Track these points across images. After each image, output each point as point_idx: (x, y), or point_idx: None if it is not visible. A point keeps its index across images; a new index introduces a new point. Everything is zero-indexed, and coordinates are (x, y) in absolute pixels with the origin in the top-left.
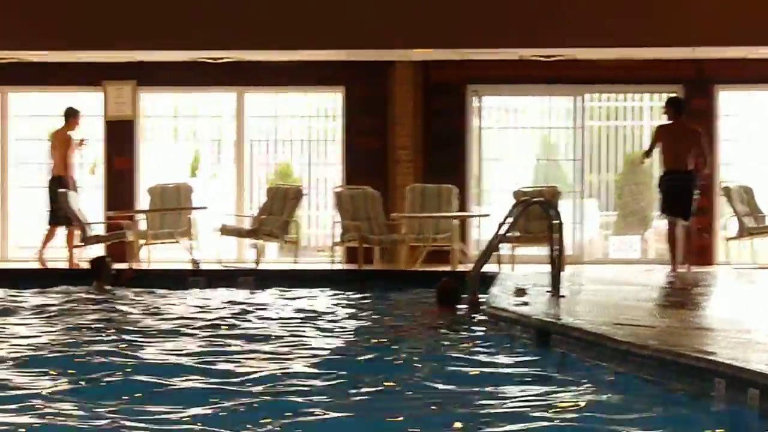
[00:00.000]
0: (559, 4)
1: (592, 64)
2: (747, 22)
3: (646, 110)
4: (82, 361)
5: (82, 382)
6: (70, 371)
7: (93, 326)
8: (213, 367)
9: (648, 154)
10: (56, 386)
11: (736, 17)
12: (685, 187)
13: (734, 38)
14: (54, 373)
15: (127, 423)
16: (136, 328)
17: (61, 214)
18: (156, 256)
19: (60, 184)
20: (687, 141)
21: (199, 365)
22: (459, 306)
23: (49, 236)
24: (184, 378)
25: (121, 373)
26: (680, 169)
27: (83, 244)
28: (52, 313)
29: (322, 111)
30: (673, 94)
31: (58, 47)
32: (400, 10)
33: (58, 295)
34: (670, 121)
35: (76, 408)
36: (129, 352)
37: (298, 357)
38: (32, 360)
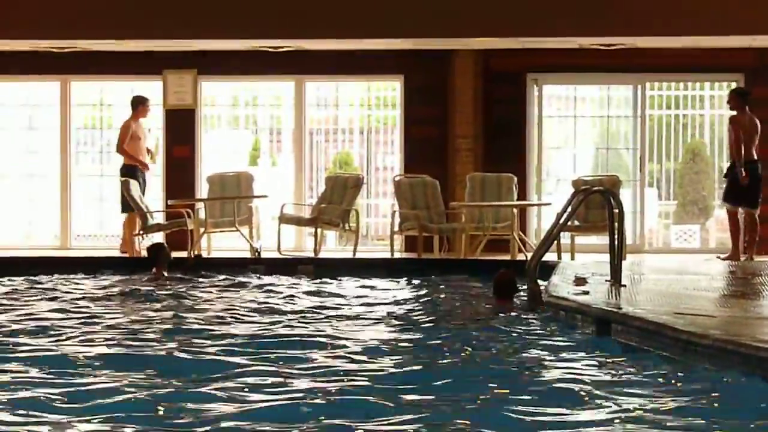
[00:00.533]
0: None
1: (652, 53)
2: None
3: (707, 99)
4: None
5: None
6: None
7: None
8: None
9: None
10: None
11: None
12: (753, 176)
13: None
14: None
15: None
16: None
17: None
18: (216, 244)
19: (125, 172)
20: (754, 131)
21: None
22: (516, 297)
23: (128, 224)
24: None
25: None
26: (750, 159)
27: (143, 232)
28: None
29: (381, 100)
30: (734, 84)
31: (119, 36)
32: None
33: (119, 283)
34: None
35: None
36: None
37: (352, 349)
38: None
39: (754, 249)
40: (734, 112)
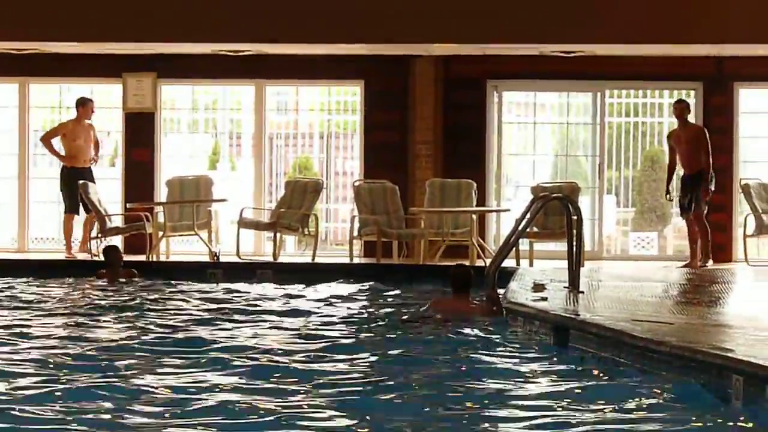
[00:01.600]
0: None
1: (612, 61)
2: (767, 20)
3: (665, 107)
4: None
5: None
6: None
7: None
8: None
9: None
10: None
11: (757, 15)
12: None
13: (754, 36)
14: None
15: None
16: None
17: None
18: (175, 248)
19: (65, 174)
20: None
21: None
22: (472, 292)
23: (85, 224)
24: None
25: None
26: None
27: (101, 235)
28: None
29: (341, 104)
30: (693, 93)
31: (78, 38)
32: (421, 4)
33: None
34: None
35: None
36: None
37: (308, 352)
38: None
39: (708, 255)
40: (693, 121)
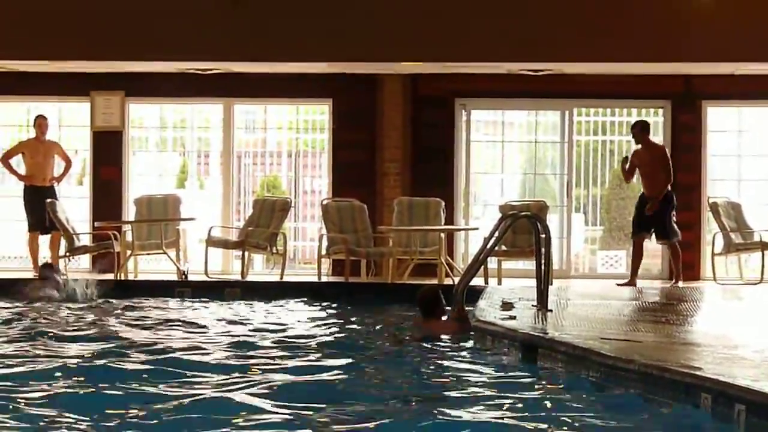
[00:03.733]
0: (547, 18)
1: (579, 79)
2: (735, 39)
3: None
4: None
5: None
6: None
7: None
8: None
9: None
10: None
11: (724, 33)
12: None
13: (722, 54)
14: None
15: None
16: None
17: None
18: (143, 267)
19: (27, 192)
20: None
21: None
22: (441, 313)
23: (51, 243)
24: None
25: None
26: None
27: (69, 254)
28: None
29: (309, 123)
30: (661, 111)
31: (46, 57)
32: (388, 23)
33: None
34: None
35: None
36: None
37: (273, 371)
38: None
39: (681, 275)
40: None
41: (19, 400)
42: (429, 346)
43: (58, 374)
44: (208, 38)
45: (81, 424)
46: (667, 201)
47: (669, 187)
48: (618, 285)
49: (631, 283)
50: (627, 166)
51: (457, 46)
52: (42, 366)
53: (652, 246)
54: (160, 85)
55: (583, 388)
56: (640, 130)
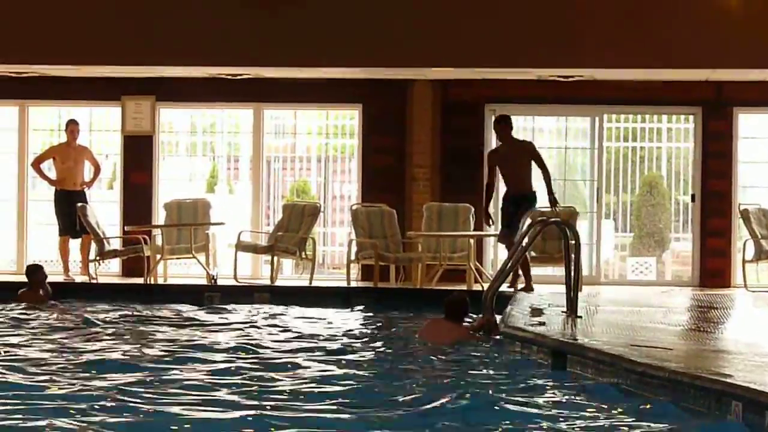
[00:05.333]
0: (578, 24)
1: (610, 85)
2: (766, 45)
3: (664, 132)
4: None
5: None
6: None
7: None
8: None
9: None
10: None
11: (755, 40)
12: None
13: (753, 61)
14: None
15: None
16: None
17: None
18: (172, 271)
19: (57, 196)
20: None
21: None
22: (467, 319)
23: (82, 247)
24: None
25: None
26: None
27: (99, 258)
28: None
29: (339, 128)
30: (691, 117)
31: (78, 62)
32: (418, 28)
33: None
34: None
35: None
36: None
37: (304, 378)
38: None
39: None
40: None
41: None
42: (458, 350)
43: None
44: (239, 44)
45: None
46: (533, 200)
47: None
48: (515, 289)
49: (529, 287)
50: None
51: (487, 52)
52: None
53: (683, 252)
54: (191, 90)
55: (613, 394)
56: (503, 124)
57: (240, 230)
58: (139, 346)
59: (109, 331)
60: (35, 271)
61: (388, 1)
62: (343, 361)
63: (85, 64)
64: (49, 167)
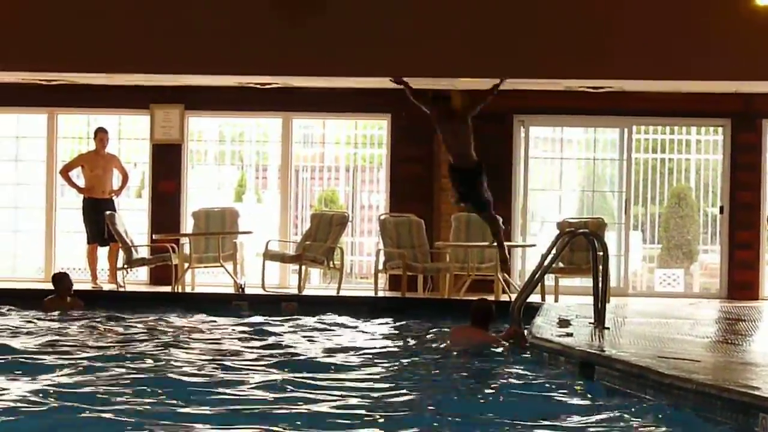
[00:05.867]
0: (607, 35)
1: (639, 97)
2: None
3: (693, 144)
4: None
5: None
6: None
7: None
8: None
9: None
10: None
11: None
12: None
13: None
14: None
15: None
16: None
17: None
18: (200, 280)
19: (84, 205)
20: None
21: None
22: (493, 326)
23: (110, 255)
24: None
25: None
26: None
27: (128, 266)
28: None
29: (368, 138)
30: (720, 129)
31: (106, 70)
32: (447, 38)
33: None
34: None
35: None
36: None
37: (332, 387)
38: None
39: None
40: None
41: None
42: (485, 359)
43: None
44: (268, 53)
45: None
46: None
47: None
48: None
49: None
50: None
51: (515, 62)
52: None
53: (711, 264)
54: (220, 99)
55: (640, 406)
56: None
57: (268, 239)
58: (166, 354)
59: (139, 338)
60: (61, 279)
61: (417, 11)
62: (371, 370)
63: (115, 72)
64: (77, 175)
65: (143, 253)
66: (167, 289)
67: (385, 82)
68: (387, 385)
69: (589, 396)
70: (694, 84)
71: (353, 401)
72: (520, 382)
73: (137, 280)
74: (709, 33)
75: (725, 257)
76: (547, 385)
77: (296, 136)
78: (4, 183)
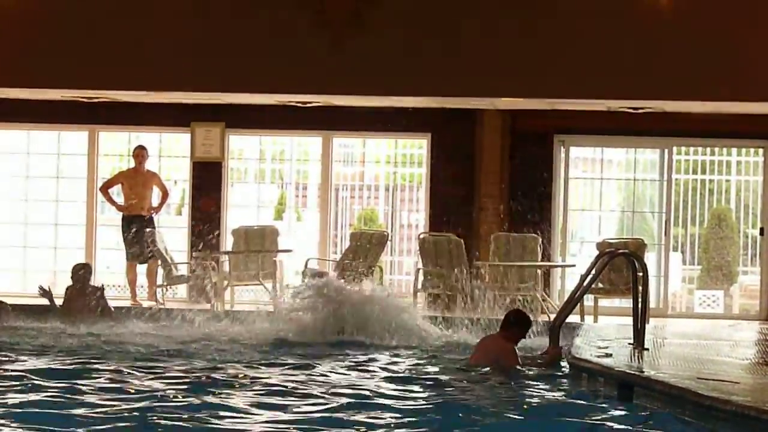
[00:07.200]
0: (648, 55)
1: (680, 117)
2: None
3: (733, 164)
4: None
5: None
6: None
7: None
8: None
9: None
10: None
11: None
12: None
13: None
14: None
15: None
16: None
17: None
18: (239, 298)
19: (123, 221)
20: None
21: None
22: (527, 334)
23: (149, 272)
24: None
25: None
26: None
27: (167, 284)
28: None
29: (407, 157)
30: (761, 150)
31: (148, 88)
32: (488, 58)
33: None
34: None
35: None
36: None
37: (367, 405)
38: None
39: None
40: None
41: None
42: (524, 378)
43: None
44: (309, 71)
45: None
46: None
47: None
48: None
49: None
50: None
51: (557, 83)
52: None
53: (751, 286)
54: (260, 117)
55: (679, 427)
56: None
57: (307, 257)
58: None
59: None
60: (80, 269)
61: (457, 30)
62: (407, 390)
63: (156, 90)
64: (117, 192)
65: (183, 270)
66: (207, 306)
67: (425, 102)
68: (420, 406)
69: (627, 417)
70: (735, 105)
71: (390, 421)
72: (558, 402)
73: (176, 297)
74: (750, 53)
75: (765, 279)
76: (585, 405)
77: (336, 155)
78: (45, 200)
